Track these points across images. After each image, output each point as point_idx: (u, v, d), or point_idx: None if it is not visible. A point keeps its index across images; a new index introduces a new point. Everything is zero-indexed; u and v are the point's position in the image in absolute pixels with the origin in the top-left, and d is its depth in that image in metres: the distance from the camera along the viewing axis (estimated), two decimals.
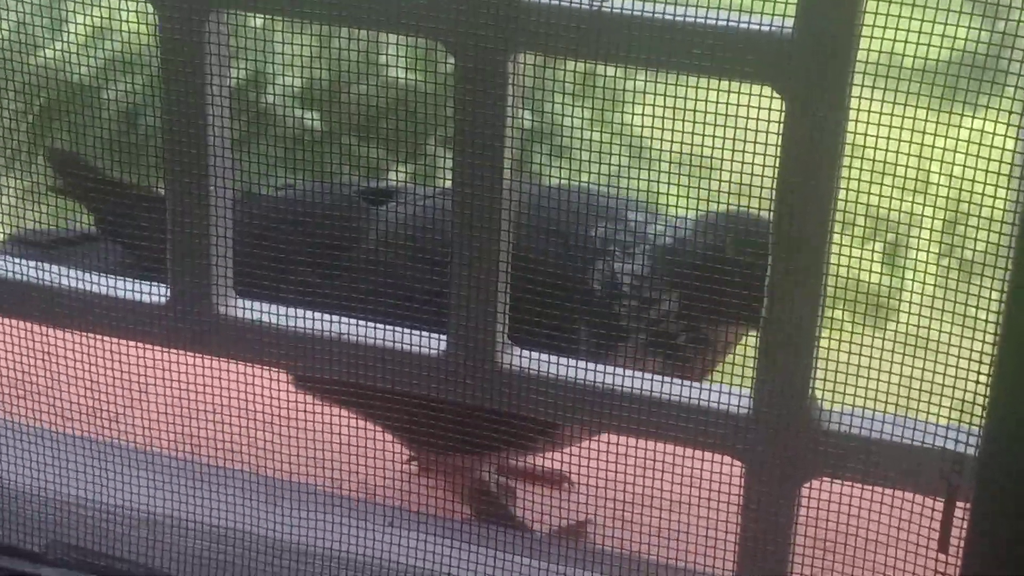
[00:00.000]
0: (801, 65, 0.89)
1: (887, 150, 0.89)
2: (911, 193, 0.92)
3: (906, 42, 0.88)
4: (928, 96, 0.88)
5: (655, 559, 1.14)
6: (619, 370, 1.06)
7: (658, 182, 1.11)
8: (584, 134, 1.18)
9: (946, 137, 0.88)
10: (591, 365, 1.06)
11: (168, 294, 1.10)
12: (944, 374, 0.91)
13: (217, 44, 1.02)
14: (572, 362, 1.06)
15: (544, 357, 1.06)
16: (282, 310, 1.10)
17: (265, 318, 1.09)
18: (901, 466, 0.95)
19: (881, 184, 0.92)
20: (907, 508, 0.96)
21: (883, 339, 0.99)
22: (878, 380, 0.97)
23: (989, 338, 0.85)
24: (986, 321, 0.89)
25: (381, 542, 1.12)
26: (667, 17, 0.92)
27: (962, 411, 0.88)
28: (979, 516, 0.79)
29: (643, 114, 1.08)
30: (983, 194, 0.90)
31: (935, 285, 0.97)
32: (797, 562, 1.04)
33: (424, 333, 1.07)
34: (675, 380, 1.04)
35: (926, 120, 0.88)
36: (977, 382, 0.86)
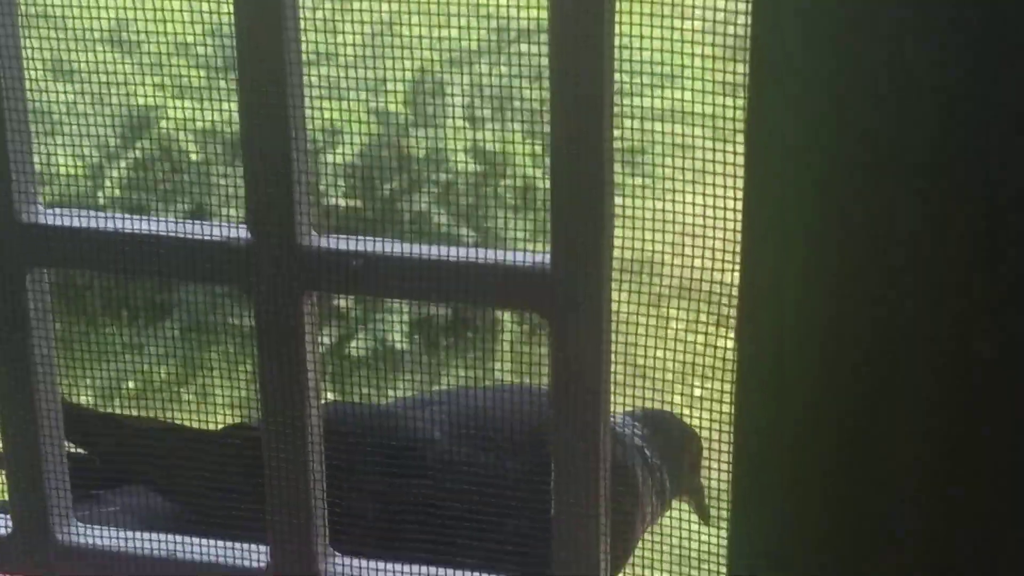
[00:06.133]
0: (558, 292, 0.98)
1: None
2: None
3: None
4: None
5: None
6: (442, 570, 1.12)
7: None
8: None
9: None
10: (414, 569, 1.12)
11: (9, 524, 1.15)
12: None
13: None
14: (392, 567, 1.12)
15: (367, 564, 1.13)
16: (126, 534, 1.15)
17: (105, 542, 1.15)
18: None
19: None
20: None
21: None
22: None
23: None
24: None
25: None
26: (441, 257, 1.00)
27: None
28: None
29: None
30: None
31: None
32: None
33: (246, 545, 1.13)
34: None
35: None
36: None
